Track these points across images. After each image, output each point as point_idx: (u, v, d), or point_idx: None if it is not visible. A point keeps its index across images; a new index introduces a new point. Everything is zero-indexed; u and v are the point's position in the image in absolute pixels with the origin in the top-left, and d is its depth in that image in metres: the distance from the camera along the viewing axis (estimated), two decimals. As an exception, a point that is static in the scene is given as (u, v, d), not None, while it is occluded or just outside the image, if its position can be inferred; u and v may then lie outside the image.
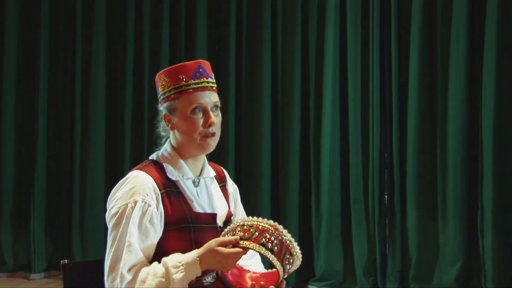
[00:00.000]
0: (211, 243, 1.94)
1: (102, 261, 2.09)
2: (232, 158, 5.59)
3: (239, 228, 1.91)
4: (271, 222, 1.90)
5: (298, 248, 1.94)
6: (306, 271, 5.53)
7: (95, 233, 5.95)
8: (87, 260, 2.43)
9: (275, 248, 1.89)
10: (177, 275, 1.92)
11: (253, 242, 1.89)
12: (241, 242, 1.90)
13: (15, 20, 6.18)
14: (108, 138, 6.09)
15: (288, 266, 1.93)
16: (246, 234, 1.90)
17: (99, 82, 6.08)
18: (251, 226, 1.90)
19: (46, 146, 6.17)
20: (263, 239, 1.89)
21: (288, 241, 1.90)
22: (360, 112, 5.40)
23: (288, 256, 1.91)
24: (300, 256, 1.95)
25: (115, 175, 5.99)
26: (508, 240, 4.99)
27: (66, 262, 2.13)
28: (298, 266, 1.96)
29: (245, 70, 5.73)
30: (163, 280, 1.92)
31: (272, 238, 1.89)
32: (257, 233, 1.89)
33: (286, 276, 1.95)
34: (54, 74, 6.21)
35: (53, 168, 6.20)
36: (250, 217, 1.94)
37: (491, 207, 4.95)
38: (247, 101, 5.70)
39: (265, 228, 1.89)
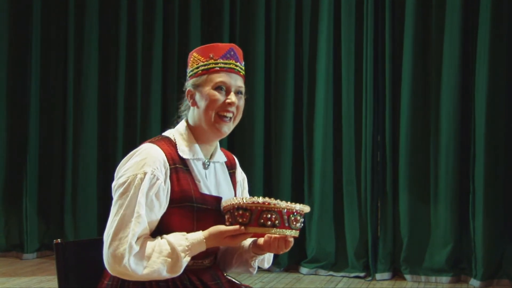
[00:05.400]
0: (218, 227, 1.97)
1: (95, 241, 2.10)
2: (225, 140, 5.59)
3: (235, 213, 1.93)
4: (260, 199, 1.91)
5: (298, 204, 1.96)
6: (298, 253, 5.56)
7: (87, 213, 5.97)
8: (80, 240, 2.43)
9: (276, 222, 1.91)
10: (186, 259, 1.94)
11: (253, 226, 1.91)
12: (245, 229, 1.93)
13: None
14: (101, 119, 6.08)
15: (298, 224, 1.96)
16: (244, 219, 1.92)
17: (92, 63, 6.06)
18: (245, 209, 1.91)
19: (38, 126, 6.16)
20: (261, 220, 1.91)
21: (285, 209, 1.92)
22: (354, 95, 5.40)
23: (293, 217, 1.94)
24: (304, 206, 1.97)
25: (107, 155, 6.01)
26: (498, 224, 5.03)
27: (59, 241, 2.11)
28: (309, 210, 2.00)
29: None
30: (169, 259, 1.93)
31: (269, 215, 1.90)
32: (254, 216, 1.91)
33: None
34: (46, 55, 6.19)
35: (46, 148, 6.19)
36: (239, 198, 1.95)
37: (482, 191, 4.98)
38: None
39: (259, 208, 1.90)
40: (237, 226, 1.92)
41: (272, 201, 1.91)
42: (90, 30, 6.05)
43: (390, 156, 5.30)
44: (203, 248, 1.97)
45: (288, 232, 1.94)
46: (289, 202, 1.95)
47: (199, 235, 1.97)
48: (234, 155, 2.34)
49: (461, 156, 5.14)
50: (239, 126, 6.23)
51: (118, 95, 5.98)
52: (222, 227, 1.95)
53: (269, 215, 1.90)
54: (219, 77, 2.06)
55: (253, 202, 1.91)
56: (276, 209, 1.90)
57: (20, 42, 6.15)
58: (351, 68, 5.40)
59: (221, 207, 2.00)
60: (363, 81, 5.34)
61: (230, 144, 5.63)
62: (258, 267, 2.21)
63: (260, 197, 1.93)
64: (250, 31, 5.66)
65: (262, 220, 1.90)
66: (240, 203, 1.92)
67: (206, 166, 2.12)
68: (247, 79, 6.29)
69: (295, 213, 1.94)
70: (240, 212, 1.92)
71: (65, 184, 6.09)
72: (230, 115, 2.09)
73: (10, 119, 6.17)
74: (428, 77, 5.24)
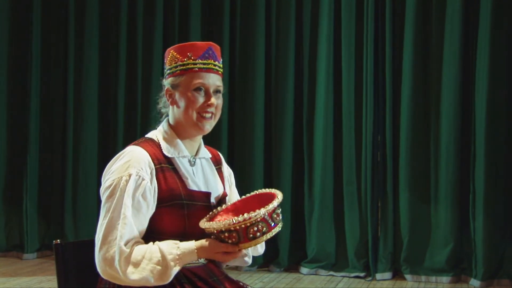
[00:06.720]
0: (212, 241, 1.97)
1: (94, 241, 2.09)
2: (225, 139, 5.59)
3: (222, 236, 1.93)
4: (241, 218, 1.91)
5: (274, 201, 1.96)
6: (298, 253, 5.56)
7: (88, 213, 5.96)
8: (80, 240, 2.43)
9: (264, 229, 1.92)
10: (176, 268, 1.95)
11: (245, 243, 1.93)
12: (238, 247, 1.95)
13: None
14: (101, 118, 6.08)
15: (280, 216, 1.99)
16: (233, 239, 1.93)
17: (92, 63, 6.06)
18: (231, 231, 1.92)
19: (38, 125, 6.16)
20: (251, 235, 1.92)
21: (266, 213, 1.92)
22: (354, 95, 5.40)
23: (275, 215, 1.96)
24: (278, 194, 2.00)
25: (107, 155, 5.99)
26: (499, 224, 5.03)
27: (59, 242, 2.12)
28: (282, 196, 2.02)
29: (239, 52, 5.71)
30: (159, 267, 1.93)
31: (255, 228, 1.91)
32: (241, 234, 1.92)
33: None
34: (47, 54, 6.19)
35: (46, 148, 6.19)
36: (219, 223, 1.94)
37: (482, 191, 4.98)
38: (241, 83, 5.69)
39: (243, 226, 1.91)
40: (230, 245, 1.94)
41: (252, 213, 1.91)
42: (90, 30, 6.05)
43: (390, 156, 5.30)
44: (194, 258, 1.98)
45: (277, 230, 1.96)
46: (256, 192, 2.01)
47: (191, 245, 1.98)
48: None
49: (461, 156, 5.14)
50: (239, 126, 6.23)
51: (118, 95, 5.98)
52: (216, 242, 1.96)
53: (255, 228, 1.91)
54: (198, 78, 2.08)
55: (234, 223, 1.90)
56: (259, 219, 1.91)
57: (20, 42, 6.15)
58: (351, 68, 5.40)
59: (202, 227, 1.99)
60: (363, 81, 5.34)
61: (230, 144, 5.63)
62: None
63: (239, 217, 1.91)
64: (250, 31, 5.66)
65: (251, 235, 1.92)
66: (222, 227, 1.92)
67: (192, 163, 2.13)
68: (247, 78, 6.31)
69: (274, 211, 1.95)
70: (226, 234, 1.93)
71: (65, 184, 6.09)
72: (209, 115, 2.10)
73: (10, 119, 6.17)
74: (428, 77, 5.24)
